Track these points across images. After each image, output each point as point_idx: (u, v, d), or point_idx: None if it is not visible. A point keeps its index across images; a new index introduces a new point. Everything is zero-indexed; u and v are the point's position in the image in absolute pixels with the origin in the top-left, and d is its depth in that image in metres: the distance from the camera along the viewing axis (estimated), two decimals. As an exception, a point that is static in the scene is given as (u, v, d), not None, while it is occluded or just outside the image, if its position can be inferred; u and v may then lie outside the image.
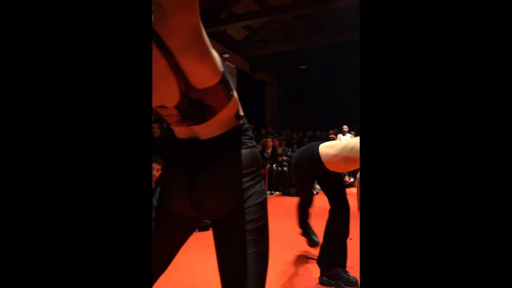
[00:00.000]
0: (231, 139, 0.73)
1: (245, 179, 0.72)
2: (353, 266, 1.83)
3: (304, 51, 8.44)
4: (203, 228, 2.66)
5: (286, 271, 1.84)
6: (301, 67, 8.91)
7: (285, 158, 5.38)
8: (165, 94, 0.66)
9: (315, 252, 2.24)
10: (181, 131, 0.76)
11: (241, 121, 0.76)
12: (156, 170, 2.38)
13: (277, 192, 5.18)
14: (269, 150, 5.23)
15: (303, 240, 2.53)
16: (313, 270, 1.84)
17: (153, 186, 2.46)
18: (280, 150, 5.52)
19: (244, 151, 0.73)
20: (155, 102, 0.70)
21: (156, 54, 0.62)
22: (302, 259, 2.05)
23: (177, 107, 0.67)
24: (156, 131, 3.21)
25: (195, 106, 0.67)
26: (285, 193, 5.00)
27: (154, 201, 0.83)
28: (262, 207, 0.75)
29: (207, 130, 0.72)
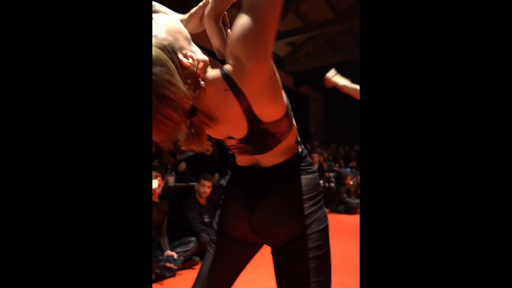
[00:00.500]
0: (292, 166, 0.73)
1: (306, 205, 0.72)
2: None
3: (347, 64, 8.29)
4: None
5: (339, 295, 1.76)
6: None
7: (331, 174, 5.24)
8: (233, 129, 0.68)
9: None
10: (243, 159, 0.78)
11: (300, 147, 0.77)
12: (207, 187, 2.46)
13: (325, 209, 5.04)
14: (316, 166, 5.14)
15: (355, 263, 2.42)
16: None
17: (204, 203, 2.54)
18: (325, 166, 5.39)
19: (304, 177, 0.74)
20: (222, 134, 0.72)
21: (231, 99, 0.62)
22: (354, 282, 1.96)
23: (243, 139, 0.69)
24: (210, 148, 3.33)
25: (261, 138, 0.68)
26: (333, 210, 4.84)
27: (215, 224, 0.86)
28: (324, 234, 0.74)
29: (269, 158, 0.73)
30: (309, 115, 9.28)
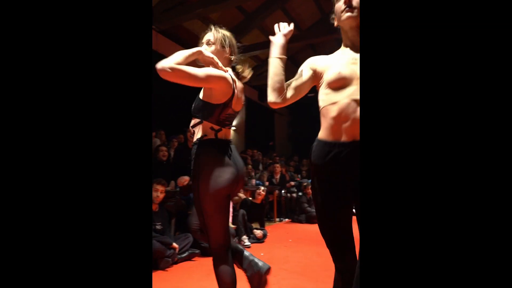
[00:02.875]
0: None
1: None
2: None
3: (311, 80, 8.60)
4: (206, 254, 2.58)
5: (292, 297, 1.74)
6: (309, 95, 9.03)
7: (293, 183, 5.30)
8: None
9: (324, 279, 2.13)
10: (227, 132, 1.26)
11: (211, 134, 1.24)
12: (160, 192, 2.36)
13: (287, 219, 5.05)
14: (278, 176, 5.18)
15: (311, 267, 2.42)
16: (322, 297, 1.75)
17: (156, 209, 2.42)
18: (287, 176, 5.45)
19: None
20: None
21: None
22: (306, 283, 1.95)
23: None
24: (165, 154, 3.22)
25: None
26: (295, 220, 4.87)
27: None
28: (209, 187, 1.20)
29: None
30: (274, 128, 9.42)
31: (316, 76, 1.06)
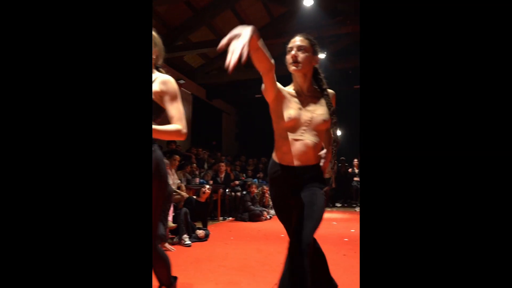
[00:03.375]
0: None
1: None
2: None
3: (259, 81, 8.77)
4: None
5: (229, 292, 1.77)
6: (256, 96, 9.20)
7: (237, 182, 5.36)
8: None
9: (261, 274, 2.20)
10: None
11: None
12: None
13: (230, 218, 5.09)
14: (222, 175, 5.19)
15: (250, 263, 2.48)
16: (257, 290, 1.81)
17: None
18: (232, 175, 5.50)
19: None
20: None
21: None
22: (247, 281, 2.00)
23: None
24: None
25: None
26: (238, 218, 4.93)
27: None
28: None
29: None
30: (221, 127, 9.40)
31: (278, 96, 1.27)
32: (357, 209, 6.48)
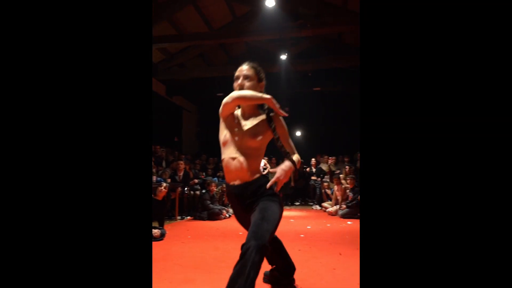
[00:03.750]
0: None
1: None
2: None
3: (222, 80, 8.72)
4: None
5: (183, 290, 1.75)
6: (218, 94, 9.14)
7: (196, 181, 5.29)
8: None
9: (217, 271, 2.19)
10: None
11: None
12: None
13: (188, 217, 5.00)
14: (181, 173, 5.09)
15: (206, 261, 2.47)
16: (208, 286, 1.80)
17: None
18: (191, 174, 5.41)
19: None
20: None
21: None
22: (202, 278, 1.98)
23: None
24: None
25: None
26: (197, 217, 4.86)
27: None
28: None
29: None
30: (182, 125, 9.20)
31: (228, 117, 1.45)
32: (314, 207, 6.71)
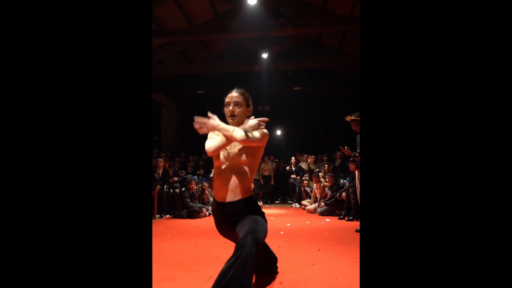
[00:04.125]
0: None
1: None
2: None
3: (202, 77, 8.63)
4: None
5: (163, 287, 1.72)
6: (199, 92, 9.04)
7: (176, 179, 5.22)
8: None
9: (196, 268, 2.18)
10: None
11: None
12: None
13: (168, 215, 4.93)
14: (160, 171, 5.00)
15: (185, 258, 2.45)
16: (188, 283, 1.78)
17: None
18: (171, 172, 5.33)
19: None
20: None
21: None
22: (182, 275, 1.96)
23: None
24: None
25: None
26: (176, 215, 4.80)
27: None
28: None
29: None
30: (161, 122, 9.04)
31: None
32: (293, 205, 6.79)
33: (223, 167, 1.51)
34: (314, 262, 2.29)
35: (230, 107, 1.53)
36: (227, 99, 1.56)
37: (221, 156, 1.52)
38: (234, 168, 1.49)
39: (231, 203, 1.49)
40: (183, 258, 2.39)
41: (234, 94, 1.56)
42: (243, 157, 1.48)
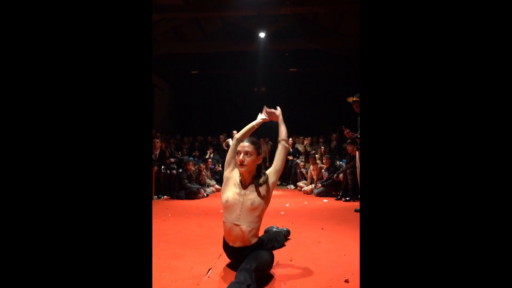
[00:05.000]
0: None
1: None
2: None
3: (196, 57, 8.41)
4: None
5: (170, 265, 1.71)
6: (193, 72, 8.85)
7: (173, 160, 5.16)
8: None
9: (205, 246, 2.18)
10: None
11: None
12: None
13: (165, 196, 4.90)
14: (157, 152, 4.93)
15: (191, 237, 2.44)
16: (198, 261, 1.78)
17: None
18: (168, 152, 5.26)
19: None
20: None
21: None
22: (191, 253, 1.95)
23: None
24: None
25: None
26: (174, 196, 4.77)
27: None
28: None
29: None
30: (153, 103, 8.85)
31: (227, 177, 1.71)
32: (289, 186, 6.84)
33: (234, 214, 1.57)
34: (320, 240, 2.31)
35: (241, 156, 1.58)
36: (238, 148, 1.62)
37: (232, 201, 1.58)
38: (245, 216, 1.56)
39: (240, 248, 1.58)
40: (190, 237, 2.38)
41: (245, 144, 1.61)
42: (253, 206, 1.55)
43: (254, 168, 1.64)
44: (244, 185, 1.63)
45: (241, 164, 1.58)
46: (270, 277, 1.56)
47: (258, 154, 1.64)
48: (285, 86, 9.18)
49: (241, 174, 1.64)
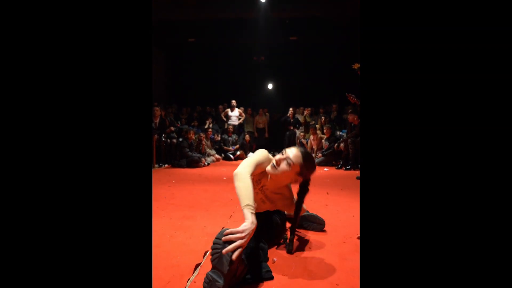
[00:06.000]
0: None
1: None
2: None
3: (193, 23, 8.10)
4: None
5: (183, 224, 1.71)
6: (189, 40, 8.55)
7: (173, 129, 5.10)
8: None
9: (214, 209, 2.18)
10: None
11: None
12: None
13: (166, 165, 4.89)
14: (157, 120, 4.85)
15: (199, 200, 2.45)
16: (210, 221, 1.78)
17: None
18: (167, 122, 5.19)
19: None
20: None
21: None
22: (201, 214, 1.96)
23: None
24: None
25: None
26: (175, 165, 4.76)
27: None
28: None
29: None
30: (150, 73, 8.63)
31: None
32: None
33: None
34: (327, 203, 2.34)
35: (282, 156, 1.27)
36: (287, 151, 1.30)
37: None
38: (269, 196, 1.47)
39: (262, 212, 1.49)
40: (197, 201, 2.39)
41: (293, 151, 1.29)
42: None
43: (285, 188, 1.46)
44: (272, 185, 1.40)
45: (275, 165, 1.27)
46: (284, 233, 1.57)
47: (300, 174, 1.29)
48: (285, 55, 8.96)
49: (271, 175, 1.33)
